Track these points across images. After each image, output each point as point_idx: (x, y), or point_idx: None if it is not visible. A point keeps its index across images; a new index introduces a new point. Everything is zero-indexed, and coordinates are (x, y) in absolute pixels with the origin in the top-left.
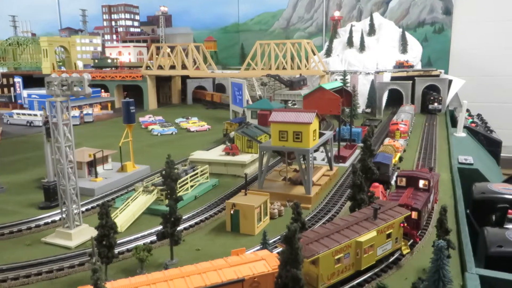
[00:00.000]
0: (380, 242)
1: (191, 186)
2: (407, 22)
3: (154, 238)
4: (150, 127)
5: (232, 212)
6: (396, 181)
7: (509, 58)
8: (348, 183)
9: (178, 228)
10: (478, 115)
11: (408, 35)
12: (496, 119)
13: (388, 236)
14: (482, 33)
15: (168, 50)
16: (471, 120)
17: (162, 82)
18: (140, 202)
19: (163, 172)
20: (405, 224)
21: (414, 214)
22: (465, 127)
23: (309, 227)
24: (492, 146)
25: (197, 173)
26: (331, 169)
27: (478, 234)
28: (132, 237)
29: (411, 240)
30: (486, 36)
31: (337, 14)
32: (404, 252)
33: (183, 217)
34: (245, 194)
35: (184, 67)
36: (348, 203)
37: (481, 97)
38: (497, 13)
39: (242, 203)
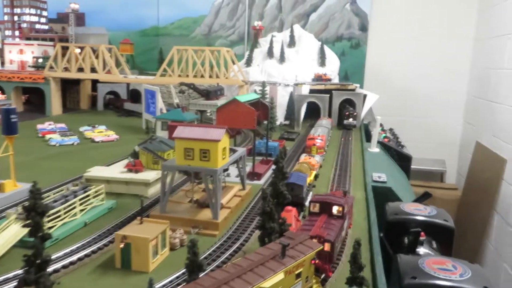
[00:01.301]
0: (288, 284)
1: (81, 210)
2: (326, 36)
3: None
4: (47, 136)
5: (122, 246)
6: (309, 207)
7: (418, 75)
8: (261, 204)
9: (48, 270)
10: (390, 130)
11: (326, 49)
12: (406, 134)
13: (298, 276)
14: (394, 51)
15: (78, 50)
16: (384, 135)
17: (70, 86)
18: (10, 232)
19: (26, 204)
20: (317, 261)
21: (326, 246)
22: (378, 142)
23: (209, 264)
24: (403, 161)
25: (89, 195)
26: (244, 188)
27: (392, 259)
28: None
29: (323, 275)
30: (397, 53)
31: (258, 23)
32: None
33: (64, 251)
34: (141, 223)
35: (94, 70)
36: (258, 232)
37: (393, 111)
38: (408, 33)
39: (135, 235)
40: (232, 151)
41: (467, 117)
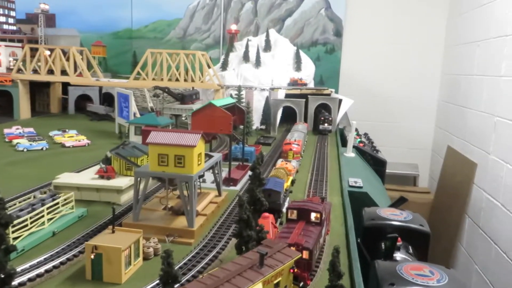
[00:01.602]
0: None
1: (49, 219)
2: (301, 41)
3: None
4: (15, 141)
5: (93, 256)
6: (286, 213)
7: (391, 80)
8: (237, 211)
9: (13, 284)
10: (365, 134)
11: (302, 53)
12: (380, 138)
13: (277, 285)
14: (367, 56)
15: (48, 52)
16: (359, 139)
17: (40, 88)
18: None
19: None
20: (295, 270)
21: (305, 254)
22: (354, 146)
23: (184, 274)
24: (378, 165)
25: (57, 203)
26: (219, 194)
27: (370, 265)
28: None
29: (302, 283)
30: (370, 58)
31: (234, 27)
32: None
33: (31, 263)
34: (113, 232)
35: (64, 72)
36: (234, 240)
37: (367, 116)
38: (382, 38)
39: (106, 245)
40: (208, 156)
41: (438, 122)
